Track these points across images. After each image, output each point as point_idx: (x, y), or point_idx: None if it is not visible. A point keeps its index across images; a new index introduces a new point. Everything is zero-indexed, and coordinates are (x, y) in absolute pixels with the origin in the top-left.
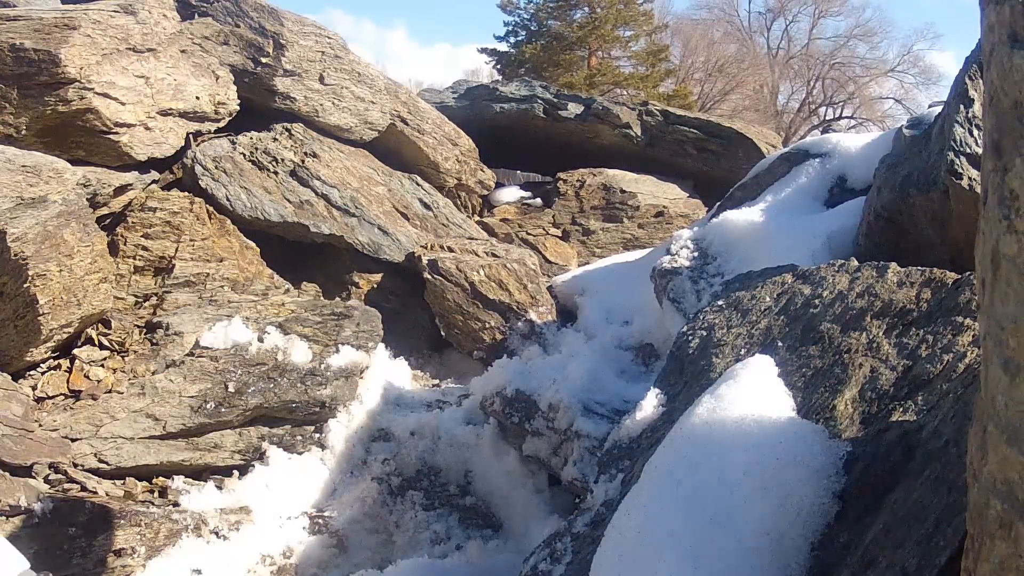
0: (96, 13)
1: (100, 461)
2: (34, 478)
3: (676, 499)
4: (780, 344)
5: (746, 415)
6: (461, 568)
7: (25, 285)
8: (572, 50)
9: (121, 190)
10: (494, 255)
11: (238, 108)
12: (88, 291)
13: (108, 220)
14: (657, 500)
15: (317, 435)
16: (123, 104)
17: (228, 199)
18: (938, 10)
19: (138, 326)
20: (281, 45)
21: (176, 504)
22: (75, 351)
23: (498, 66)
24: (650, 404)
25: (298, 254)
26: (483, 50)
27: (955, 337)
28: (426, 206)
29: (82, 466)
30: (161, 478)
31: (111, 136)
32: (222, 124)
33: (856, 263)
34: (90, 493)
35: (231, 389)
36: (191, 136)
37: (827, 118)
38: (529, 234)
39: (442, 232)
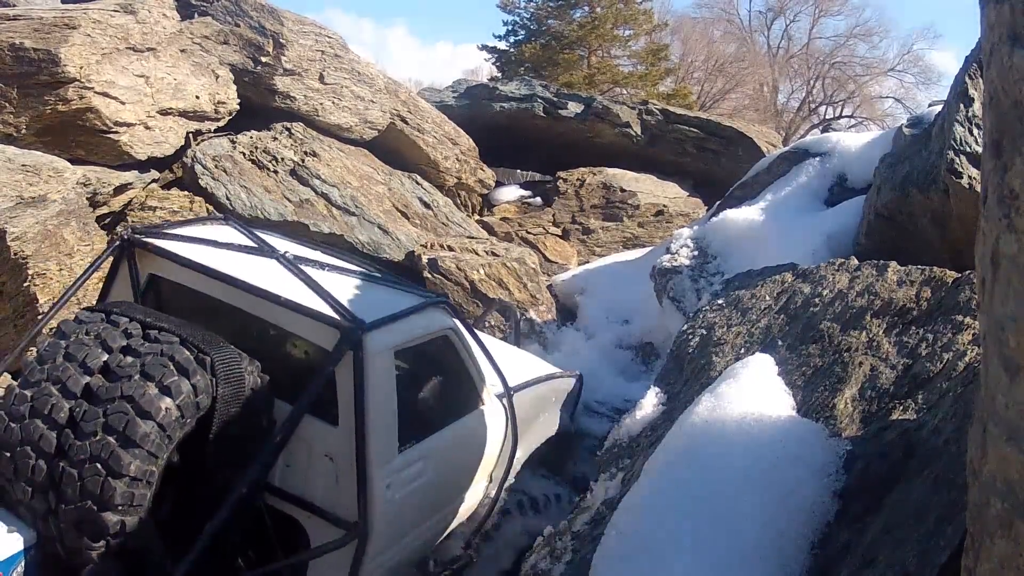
0: (96, 13)
1: None
2: None
3: (676, 498)
4: (780, 343)
5: (746, 414)
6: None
7: (25, 284)
8: (572, 49)
9: (121, 189)
10: (494, 254)
11: (238, 107)
12: (88, 290)
13: (108, 219)
14: (657, 499)
15: None
16: (123, 103)
17: (228, 198)
18: (938, 10)
19: None
20: (281, 44)
21: None
22: None
23: (498, 65)
24: (650, 403)
25: None
26: (483, 47)
27: (955, 336)
28: (426, 205)
29: None
30: None
31: (111, 135)
32: (222, 123)
33: (856, 262)
34: None
35: None
36: (191, 135)
37: (827, 117)
38: (529, 233)
39: (442, 231)
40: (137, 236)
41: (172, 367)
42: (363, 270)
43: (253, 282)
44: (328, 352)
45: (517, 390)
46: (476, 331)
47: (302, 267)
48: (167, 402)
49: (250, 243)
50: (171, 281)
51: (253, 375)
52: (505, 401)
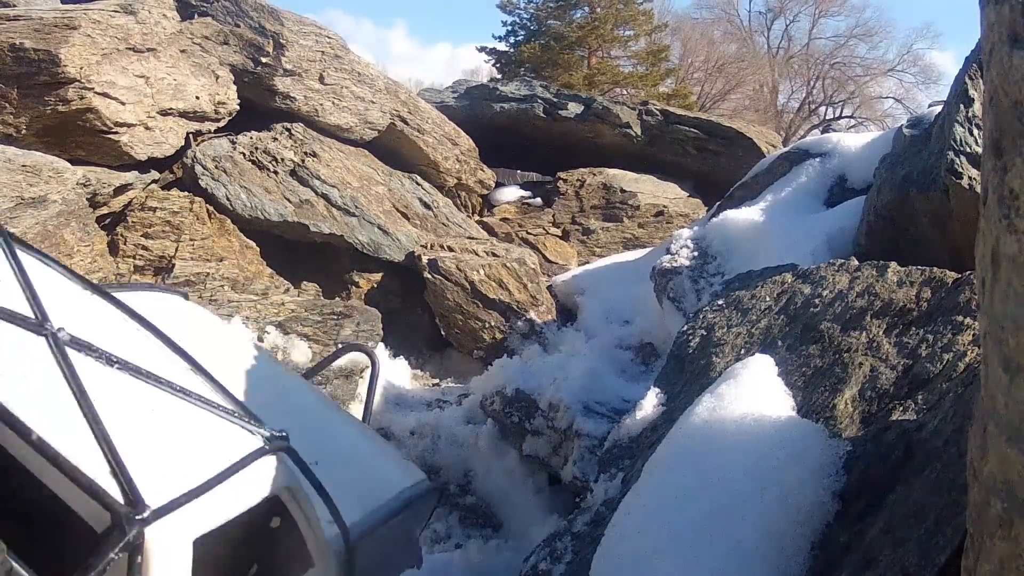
0: (96, 13)
1: None
2: None
3: (676, 498)
4: (780, 343)
5: (746, 414)
6: (461, 568)
7: None
8: (572, 50)
9: (121, 190)
10: (494, 254)
11: (238, 108)
12: None
13: (108, 220)
14: (657, 499)
15: None
16: (123, 104)
17: (228, 199)
18: (938, 10)
19: None
20: (281, 45)
21: None
22: None
23: (498, 65)
24: (650, 403)
25: (298, 254)
26: (482, 49)
27: (955, 336)
28: (426, 205)
29: None
30: None
31: (111, 136)
32: (222, 124)
33: (856, 262)
34: None
35: None
36: (191, 136)
37: (827, 118)
38: (529, 233)
39: (442, 231)
40: None
41: None
42: (173, 369)
43: None
44: (96, 533)
45: (363, 535)
46: (313, 474)
47: (80, 360)
48: None
49: (17, 294)
50: None
51: None
52: (342, 553)
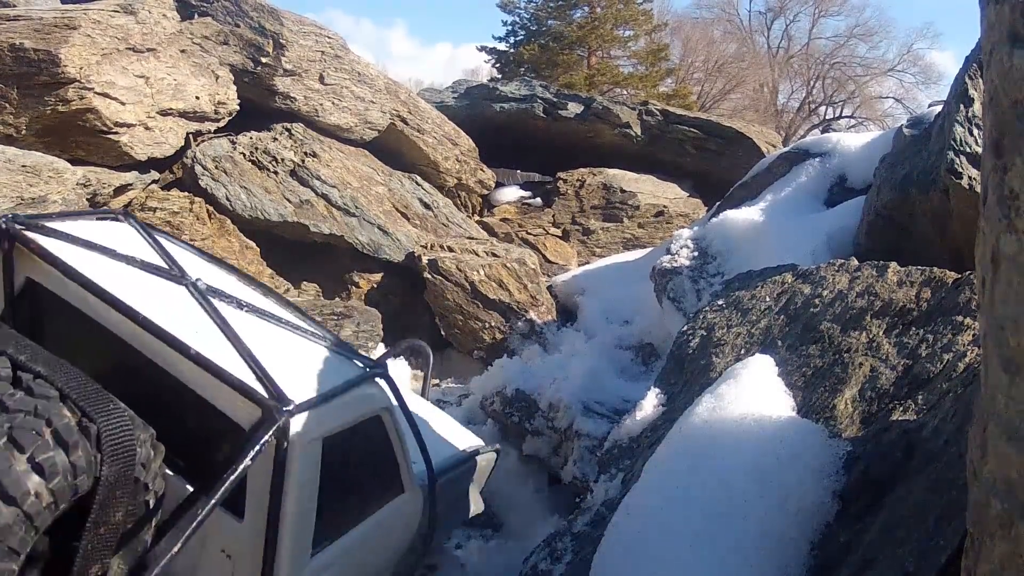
0: (96, 13)
1: None
2: None
3: (676, 499)
4: (780, 343)
5: (746, 414)
6: (461, 568)
7: None
8: (572, 50)
9: (121, 190)
10: (494, 255)
11: (238, 108)
12: None
13: None
14: (657, 500)
15: None
16: (123, 104)
17: (228, 199)
18: (938, 9)
19: None
20: (281, 45)
21: None
22: None
23: (498, 65)
24: (650, 403)
25: (298, 254)
26: (483, 48)
27: (955, 336)
28: (426, 206)
29: None
30: None
31: (111, 136)
32: (222, 124)
33: (856, 262)
34: None
35: None
36: (191, 136)
37: (827, 117)
38: (529, 234)
39: (442, 232)
40: (19, 228)
41: (48, 436)
42: (286, 314)
43: (157, 319)
44: (243, 431)
45: (441, 474)
46: (405, 402)
47: (216, 303)
48: (36, 483)
49: (155, 258)
50: (53, 293)
51: (146, 445)
52: (427, 488)
